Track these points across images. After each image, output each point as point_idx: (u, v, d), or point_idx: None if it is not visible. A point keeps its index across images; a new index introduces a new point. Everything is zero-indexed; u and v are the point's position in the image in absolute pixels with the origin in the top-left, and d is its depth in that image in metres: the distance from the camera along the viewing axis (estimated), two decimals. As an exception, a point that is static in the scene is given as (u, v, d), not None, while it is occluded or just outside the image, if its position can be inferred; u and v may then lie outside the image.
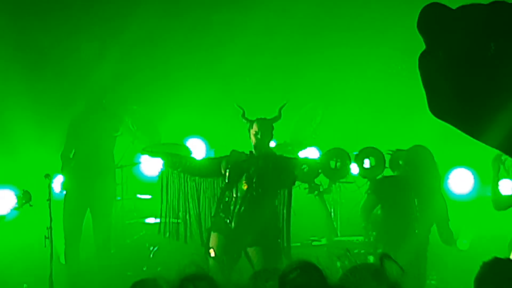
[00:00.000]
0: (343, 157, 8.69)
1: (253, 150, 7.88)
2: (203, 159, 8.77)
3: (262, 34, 10.87)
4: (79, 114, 9.42)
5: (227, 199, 7.80)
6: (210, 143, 10.62)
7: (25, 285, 9.31)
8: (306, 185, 8.81)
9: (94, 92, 9.43)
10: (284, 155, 8.22)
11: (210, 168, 7.99)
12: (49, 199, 8.20)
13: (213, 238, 7.75)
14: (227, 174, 7.80)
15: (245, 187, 7.69)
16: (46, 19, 10.77)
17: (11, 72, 10.16)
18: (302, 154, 9.60)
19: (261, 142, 7.81)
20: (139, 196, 9.95)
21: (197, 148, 10.30)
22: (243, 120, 7.98)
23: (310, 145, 10.11)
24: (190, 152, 9.74)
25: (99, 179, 9.24)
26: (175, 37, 11.00)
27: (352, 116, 10.54)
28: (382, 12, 10.67)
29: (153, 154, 8.31)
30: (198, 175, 8.08)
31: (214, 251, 7.63)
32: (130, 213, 9.81)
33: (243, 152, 7.94)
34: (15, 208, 8.10)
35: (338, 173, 8.74)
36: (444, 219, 8.11)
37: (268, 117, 7.95)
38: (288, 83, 10.75)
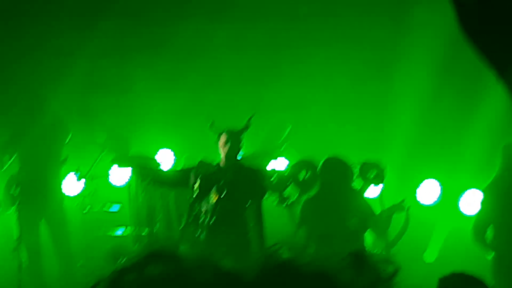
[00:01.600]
0: (312, 169, 8.72)
1: (220, 162, 7.88)
2: (171, 170, 8.73)
3: (232, 45, 10.89)
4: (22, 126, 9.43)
5: (196, 211, 7.79)
6: (178, 154, 10.59)
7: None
8: (275, 197, 8.82)
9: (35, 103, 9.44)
10: (253, 166, 8.21)
11: (178, 180, 7.98)
12: (17, 210, 8.15)
13: (182, 251, 7.70)
14: (195, 186, 7.78)
15: (214, 199, 7.68)
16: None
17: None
18: (271, 165, 9.60)
19: (230, 154, 7.81)
20: (107, 208, 9.89)
21: (166, 159, 10.27)
22: (211, 131, 7.98)
23: (279, 157, 10.11)
24: (158, 165, 9.72)
25: (48, 189, 9.26)
26: (145, 47, 10.97)
27: (321, 127, 10.56)
28: (353, 24, 10.73)
29: (122, 164, 8.28)
30: (167, 186, 8.06)
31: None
32: (97, 225, 9.74)
33: (210, 164, 7.94)
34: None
35: (307, 185, 8.77)
36: (370, 219, 8.18)
37: (236, 129, 7.96)
38: (257, 94, 10.75)
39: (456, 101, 10.29)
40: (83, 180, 9.48)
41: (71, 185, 9.66)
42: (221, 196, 7.66)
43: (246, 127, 8.00)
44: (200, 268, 1.09)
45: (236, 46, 10.90)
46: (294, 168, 8.86)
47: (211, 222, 7.65)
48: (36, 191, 9.16)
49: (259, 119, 8.59)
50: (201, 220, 7.71)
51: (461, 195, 9.56)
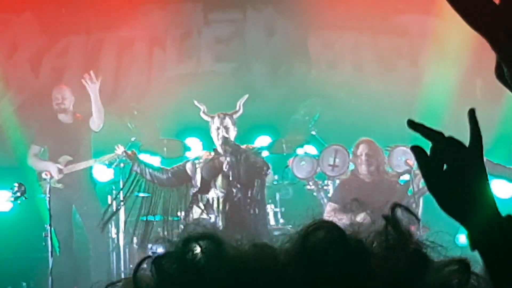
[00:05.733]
0: (342, 154, 8.70)
1: (216, 147, 7.83)
2: (165, 171, 8.43)
3: (261, 30, 10.90)
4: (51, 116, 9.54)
5: (204, 200, 7.74)
6: (206, 143, 10.57)
7: (24, 284, 9.30)
8: (305, 182, 8.82)
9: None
10: (248, 147, 8.11)
11: (177, 179, 7.93)
12: (49, 196, 8.20)
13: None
14: (197, 176, 7.73)
15: (223, 186, 7.61)
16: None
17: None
18: (300, 151, 9.56)
19: (227, 137, 7.77)
20: (138, 193, 9.91)
21: (195, 147, 10.27)
22: (203, 117, 7.93)
23: (308, 142, 10.08)
24: (188, 149, 9.75)
25: (79, 177, 9.34)
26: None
27: (351, 112, 10.53)
28: (384, 10, 10.69)
29: (128, 156, 8.29)
30: (168, 186, 8.01)
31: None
32: (128, 210, 9.76)
33: (206, 151, 7.94)
34: (9, 201, 8.04)
35: (337, 170, 8.75)
36: None
37: (228, 112, 7.92)
38: (284, 80, 10.75)
39: (488, 89, 10.20)
40: (113, 166, 9.51)
41: (102, 172, 9.70)
42: (229, 181, 7.59)
43: (237, 110, 7.94)
44: (235, 248, 1.09)
45: (265, 31, 10.91)
46: (324, 153, 8.84)
47: (227, 208, 7.60)
48: (67, 177, 9.26)
49: (289, 104, 8.55)
50: (216, 208, 7.65)
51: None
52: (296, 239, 1.08)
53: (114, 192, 9.42)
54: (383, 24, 10.85)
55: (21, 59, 11.01)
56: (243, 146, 7.91)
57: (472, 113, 1.63)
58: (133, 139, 9.72)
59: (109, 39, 10.99)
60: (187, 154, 9.84)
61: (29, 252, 9.25)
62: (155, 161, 9.38)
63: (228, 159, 7.65)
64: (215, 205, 7.67)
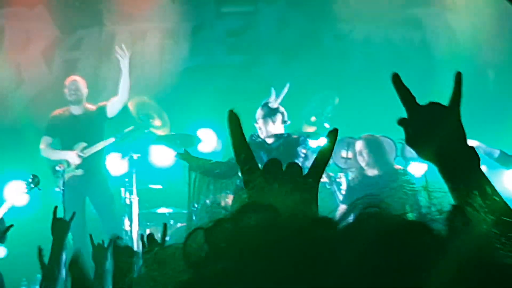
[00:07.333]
0: (355, 147, 8.68)
1: (262, 135, 7.80)
2: (219, 163, 8.43)
3: (273, 23, 10.89)
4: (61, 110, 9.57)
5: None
6: (220, 134, 10.59)
7: (39, 276, 9.32)
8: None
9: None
10: (294, 135, 8.09)
11: (227, 172, 7.90)
12: (63, 189, 8.23)
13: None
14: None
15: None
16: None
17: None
18: (313, 143, 9.54)
19: (251, 135, 7.76)
20: (150, 186, 9.93)
21: (208, 139, 10.28)
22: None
23: (321, 135, 10.06)
24: (199, 141, 9.73)
25: (92, 169, 9.36)
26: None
27: (364, 105, 10.51)
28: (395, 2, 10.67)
29: (183, 157, 8.23)
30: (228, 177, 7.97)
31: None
32: (141, 203, 9.80)
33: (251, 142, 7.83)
34: (24, 192, 8.07)
35: (350, 163, 8.73)
36: None
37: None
38: (301, 71, 10.74)
39: (501, 81, 10.17)
40: (126, 159, 9.53)
41: (116, 165, 9.72)
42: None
43: (276, 99, 7.86)
44: (293, 216, 1.08)
45: (276, 24, 10.91)
46: (337, 146, 8.82)
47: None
48: (82, 167, 9.31)
49: (302, 96, 8.53)
50: None
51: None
52: (352, 218, 1.08)
53: (127, 184, 9.45)
54: (395, 16, 10.83)
55: (34, 52, 11.04)
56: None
57: (458, 76, 1.88)
58: (146, 131, 9.72)
59: (122, 32, 11.00)
60: (199, 146, 9.88)
61: (43, 244, 9.27)
62: (170, 152, 9.38)
63: (277, 149, 7.62)
64: None
